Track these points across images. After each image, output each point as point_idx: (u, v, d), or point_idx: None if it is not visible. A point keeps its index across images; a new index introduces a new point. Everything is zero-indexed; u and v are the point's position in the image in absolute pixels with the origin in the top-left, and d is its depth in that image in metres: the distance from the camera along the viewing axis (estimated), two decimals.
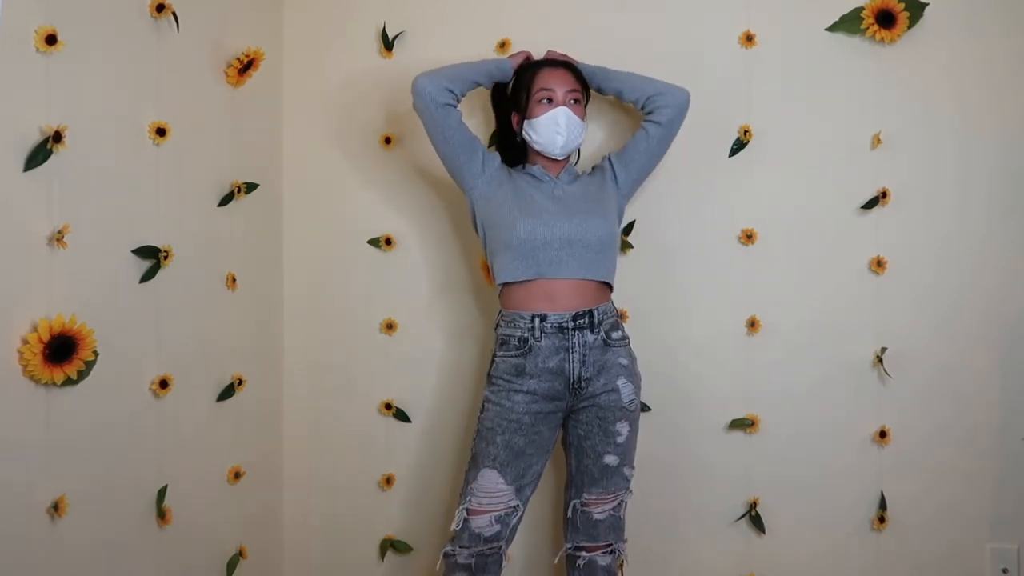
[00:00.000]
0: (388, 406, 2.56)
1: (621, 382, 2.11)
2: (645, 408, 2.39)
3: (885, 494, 2.36)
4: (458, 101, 2.14)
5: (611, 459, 2.11)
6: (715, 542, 2.42)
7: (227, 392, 2.33)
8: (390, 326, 2.55)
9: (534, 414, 2.07)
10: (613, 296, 2.20)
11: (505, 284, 2.14)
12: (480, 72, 2.19)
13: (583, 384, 2.09)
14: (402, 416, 2.55)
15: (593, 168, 2.31)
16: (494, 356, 2.14)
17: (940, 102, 2.34)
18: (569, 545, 2.15)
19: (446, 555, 2.08)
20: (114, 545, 1.95)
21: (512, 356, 2.09)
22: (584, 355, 2.09)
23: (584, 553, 2.13)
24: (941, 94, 2.34)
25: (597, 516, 2.12)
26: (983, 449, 2.33)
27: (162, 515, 2.07)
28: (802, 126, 2.38)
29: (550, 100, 2.16)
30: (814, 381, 2.38)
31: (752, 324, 2.40)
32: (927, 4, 2.31)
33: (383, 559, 2.58)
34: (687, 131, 2.41)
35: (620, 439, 2.11)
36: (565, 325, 2.08)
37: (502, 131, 2.31)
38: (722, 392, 2.41)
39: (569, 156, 2.27)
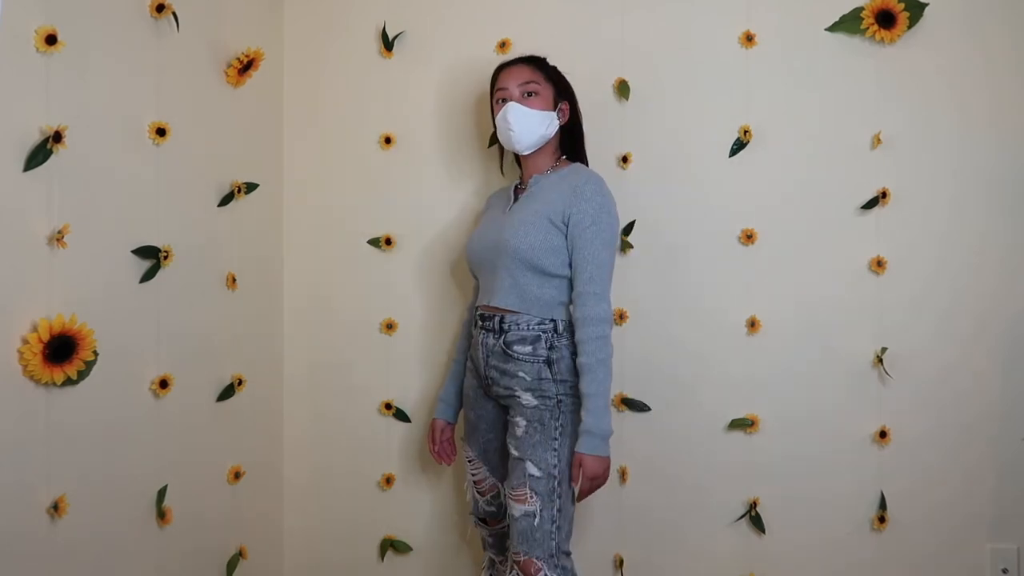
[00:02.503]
0: (388, 406, 2.56)
1: (519, 391, 2.04)
2: (645, 408, 2.39)
3: (885, 494, 2.36)
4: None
5: (512, 450, 2.03)
6: (715, 542, 2.42)
7: (227, 392, 2.33)
8: (390, 326, 2.55)
9: (475, 388, 2.18)
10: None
11: None
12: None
13: (489, 381, 2.11)
14: (402, 416, 2.55)
15: (569, 188, 2.06)
16: None
17: (940, 102, 2.34)
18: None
19: (472, 514, 2.27)
20: (114, 545, 1.95)
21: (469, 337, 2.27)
22: (487, 356, 2.10)
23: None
24: (941, 94, 2.34)
25: (513, 511, 2.00)
26: (983, 449, 2.33)
27: (162, 515, 2.08)
28: (802, 126, 2.38)
29: (504, 100, 2.14)
30: (814, 381, 2.38)
31: (752, 324, 2.40)
32: (927, 4, 2.31)
33: (383, 559, 2.58)
34: (687, 130, 2.42)
35: (518, 431, 2.02)
36: (476, 321, 2.16)
37: None
38: (722, 392, 2.41)
39: (556, 155, 2.17)
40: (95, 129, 1.87)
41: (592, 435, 1.95)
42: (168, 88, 2.09)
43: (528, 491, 1.98)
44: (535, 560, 1.96)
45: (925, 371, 2.34)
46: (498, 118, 2.14)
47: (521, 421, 2.03)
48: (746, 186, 2.39)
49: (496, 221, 2.16)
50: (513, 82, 2.13)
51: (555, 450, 2.00)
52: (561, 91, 2.17)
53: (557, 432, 2.02)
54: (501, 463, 2.17)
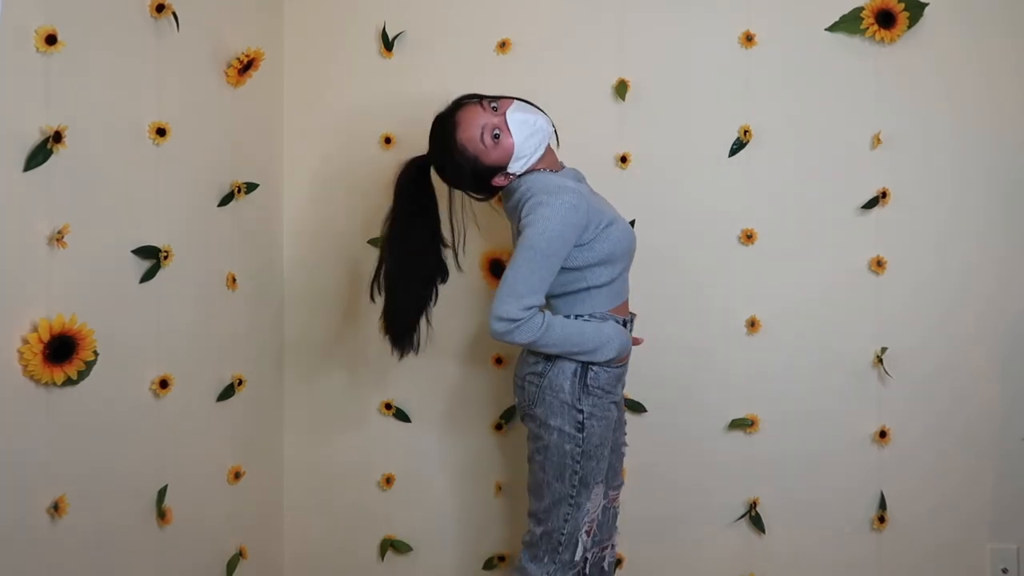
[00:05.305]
0: (388, 406, 2.56)
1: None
2: (641, 409, 2.40)
3: (885, 494, 2.36)
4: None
5: (624, 447, 2.16)
6: (715, 542, 2.42)
7: (227, 392, 2.33)
8: None
9: (621, 408, 2.11)
10: None
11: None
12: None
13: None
14: (402, 416, 2.55)
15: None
16: (588, 366, 1.93)
17: (940, 102, 2.34)
18: (599, 548, 2.10)
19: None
20: (114, 545, 1.95)
21: (616, 366, 1.97)
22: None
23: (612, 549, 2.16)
24: (941, 94, 2.34)
25: (618, 508, 2.16)
26: (982, 449, 2.34)
27: (162, 515, 2.08)
28: (802, 126, 2.38)
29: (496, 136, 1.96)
30: (814, 381, 2.38)
31: (752, 324, 2.40)
32: (927, 4, 2.31)
33: (383, 559, 2.58)
34: (687, 130, 2.42)
35: (625, 427, 2.17)
36: (625, 325, 2.06)
37: None
38: (722, 392, 2.41)
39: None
40: (95, 129, 1.87)
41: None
42: (168, 88, 2.09)
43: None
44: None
45: (925, 371, 2.35)
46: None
47: (624, 417, 2.16)
48: (746, 186, 2.39)
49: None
50: (481, 118, 1.97)
51: None
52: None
53: None
54: None
